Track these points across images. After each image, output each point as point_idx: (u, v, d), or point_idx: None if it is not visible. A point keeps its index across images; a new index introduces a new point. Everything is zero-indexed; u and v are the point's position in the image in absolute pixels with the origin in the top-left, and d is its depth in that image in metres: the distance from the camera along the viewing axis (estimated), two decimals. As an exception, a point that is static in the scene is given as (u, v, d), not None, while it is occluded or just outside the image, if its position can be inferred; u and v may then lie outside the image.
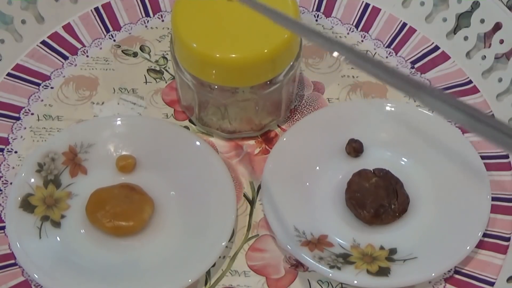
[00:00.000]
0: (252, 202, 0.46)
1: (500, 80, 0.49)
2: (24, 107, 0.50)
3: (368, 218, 0.43)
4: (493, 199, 0.45)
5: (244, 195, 0.46)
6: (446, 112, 0.24)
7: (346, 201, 0.44)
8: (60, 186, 0.45)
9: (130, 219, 0.43)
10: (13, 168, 0.47)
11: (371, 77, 0.28)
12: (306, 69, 0.52)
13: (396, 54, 0.52)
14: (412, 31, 0.53)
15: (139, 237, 0.43)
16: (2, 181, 0.46)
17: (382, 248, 0.43)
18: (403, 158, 0.47)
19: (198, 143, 0.46)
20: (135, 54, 0.52)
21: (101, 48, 0.52)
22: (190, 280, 0.41)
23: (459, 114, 0.24)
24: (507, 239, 0.44)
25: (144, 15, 0.54)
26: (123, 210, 0.43)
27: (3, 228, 0.44)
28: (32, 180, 0.44)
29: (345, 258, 0.42)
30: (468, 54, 0.52)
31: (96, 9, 0.54)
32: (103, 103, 0.50)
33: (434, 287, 0.43)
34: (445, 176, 0.45)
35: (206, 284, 0.43)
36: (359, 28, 0.54)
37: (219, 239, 0.42)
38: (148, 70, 0.51)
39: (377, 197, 0.43)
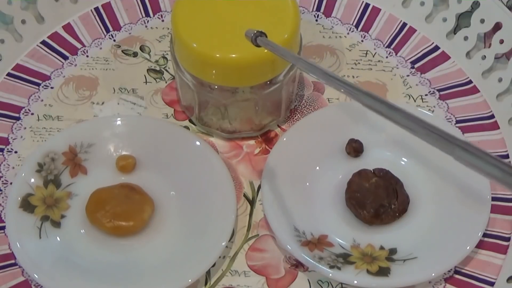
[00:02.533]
0: (252, 202, 0.46)
1: (500, 80, 0.49)
2: (24, 107, 0.50)
3: (368, 218, 0.43)
4: (493, 199, 0.45)
5: (244, 195, 0.46)
6: (482, 168, 0.24)
7: (346, 201, 0.44)
8: (60, 186, 0.45)
9: (130, 219, 0.43)
10: (13, 168, 0.47)
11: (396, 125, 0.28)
12: (306, 69, 0.52)
13: (396, 54, 0.52)
14: (412, 31, 0.53)
15: (139, 237, 0.43)
16: (2, 181, 0.46)
17: (382, 248, 0.43)
18: (403, 158, 0.47)
19: (198, 143, 0.46)
20: (135, 54, 0.52)
21: (101, 48, 0.52)
22: (190, 280, 0.41)
23: (496, 170, 0.24)
24: (507, 239, 0.44)
25: (144, 15, 0.54)
26: (123, 210, 0.43)
27: (3, 228, 0.44)
28: (32, 180, 0.44)
29: (345, 258, 0.42)
30: (468, 54, 0.52)
31: (96, 9, 0.54)
32: (103, 103, 0.50)
33: (434, 287, 0.43)
34: (445, 176, 0.45)
35: (206, 284, 0.43)
36: (359, 28, 0.54)
37: (219, 239, 0.42)
38: (148, 70, 0.51)
39: (377, 197, 0.43)
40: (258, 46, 0.39)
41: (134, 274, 0.42)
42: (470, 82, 0.51)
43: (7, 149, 0.48)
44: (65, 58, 0.52)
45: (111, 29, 0.53)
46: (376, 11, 0.54)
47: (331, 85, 0.32)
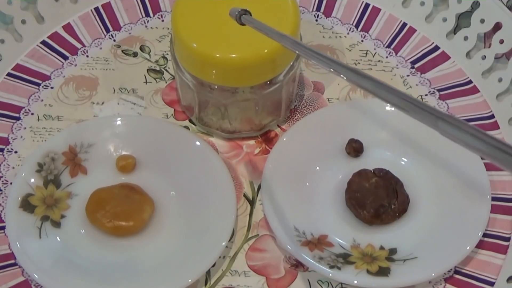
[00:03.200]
0: (252, 202, 0.46)
1: (500, 80, 0.49)
2: (24, 107, 0.50)
3: (368, 218, 0.43)
4: (493, 199, 0.45)
5: (244, 195, 0.46)
6: (467, 142, 0.24)
7: (346, 201, 0.44)
8: (60, 186, 0.45)
9: (130, 219, 0.43)
10: (13, 168, 0.47)
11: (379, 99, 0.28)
12: (306, 69, 0.52)
13: (396, 54, 0.52)
14: (412, 31, 0.53)
15: (139, 237, 0.43)
16: (2, 181, 0.46)
17: (382, 248, 0.43)
18: (403, 158, 0.47)
19: (198, 143, 0.46)
20: (135, 54, 0.52)
21: (101, 48, 0.53)
22: (190, 280, 0.41)
23: (480, 144, 0.23)
24: (507, 239, 0.44)
25: (144, 15, 0.54)
26: (123, 210, 0.43)
27: (3, 228, 0.44)
28: (32, 180, 0.44)
29: (345, 258, 0.42)
30: (468, 54, 0.52)
31: (96, 9, 0.54)
32: (103, 103, 0.50)
33: (434, 287, 0.43)
34: (445, 176, 0.45)
35: (206, 284, 0.43)
36: (359, 28, 0.54)
37: (219, 239, 0.42)
38: (148, 70, 0.51)
39: (377, 197, 0.43)
40: (242, 24, 0.40)
41: (134, 274, 0.42)
42: (470, 82, 0.51)
43: (7, 149, 0.48)
44: (65, 58, 0.52)
45: (111, 29, 0.53)
46: (376, 11, 0.54)
47: (318, 63, 0.32)
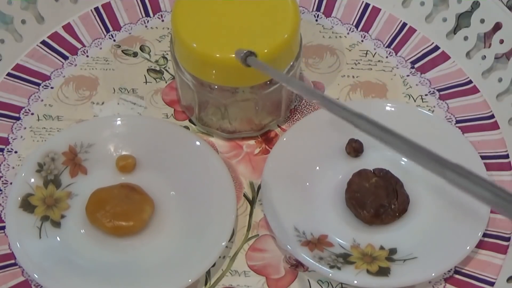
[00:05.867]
0: (252, 202, 0.46)
1: (500, 80, 0.49)
2: (24, 107, 0.50)
3: (368, 218, 0.43)
4: (493, 199, 0.45)
5: (244, 195, 0.46)
6: (473, 191, 0.24)
7: (346, 201, 0.44)
8: (60, 186, 0.45)
9: (130, 219, 0.43)
10: (13, 168, 0.47)
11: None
12: (306, 69, 0.52)
13: (396, 54, 0.52)
14: (412, 31, 0.53)
15: (139, 237, 0.43)
16: (2, 181, 0.46)
17: (382, 248, 0.43)
18: (403, 158, 0.47)
19: (198, 143, 0.46)
20: (135, 54, 0.52)
21: (101, 48, 0.52)
22: (190, 280, 0.41)
23: (486, 193, 0.24)
24: (507, 239, 0.44)
25: (144, 15, 0.54)
26: (123, 210, 0.43)
27: (3, 228, 0.44)
28: (32, 180, 0.44)
29: (345, 258, 0.42)
30: (468, 54, 0.52)
31: (96, 9, 0.54)
32: (103, 103, 0.50)
33: (434, 287, 0.43)
34: (445, 176, 0.45)
35: (206, 284, 0.43)
36: (359, 28, 0.54)
37: (219, 239, 0.42)
38: (148, 70, 0.51)
39: (377, 197, 0.43)
40: (248, 66, 0.39)
41: (134, 274, 0.42)
42: (470, 82, 0.51)
43: (7, 149, 0.48)
44: (65, 58, 0.52)
45: (111, 29, 0.53)
46: (376, 11, 0.54)
47: (325, 108, 0.32)
